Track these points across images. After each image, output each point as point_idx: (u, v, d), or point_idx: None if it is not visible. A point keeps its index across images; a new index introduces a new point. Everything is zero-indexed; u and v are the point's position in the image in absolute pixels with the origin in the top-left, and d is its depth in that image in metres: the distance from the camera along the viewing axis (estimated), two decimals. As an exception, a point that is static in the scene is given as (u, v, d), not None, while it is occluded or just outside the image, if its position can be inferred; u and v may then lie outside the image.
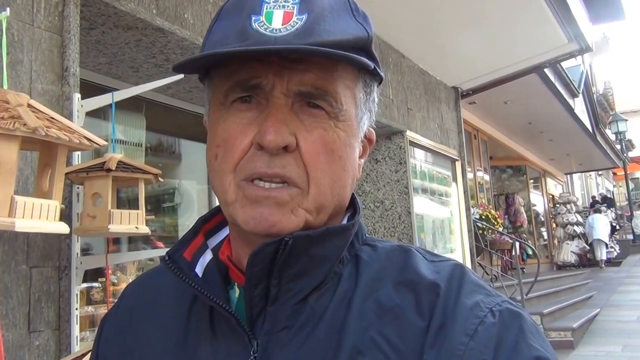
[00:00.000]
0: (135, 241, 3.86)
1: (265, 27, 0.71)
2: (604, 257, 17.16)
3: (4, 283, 2.07)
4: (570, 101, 11.42)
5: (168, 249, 0.82)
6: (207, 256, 0.82)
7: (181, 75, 2.30)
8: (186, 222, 4.53)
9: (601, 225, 17.07)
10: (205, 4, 3.22)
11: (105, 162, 2.03)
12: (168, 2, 2.94)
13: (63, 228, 1.58)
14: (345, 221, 0.83)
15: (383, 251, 0.81)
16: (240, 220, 0.73)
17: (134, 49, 3.10)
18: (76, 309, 2.25)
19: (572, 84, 11.61)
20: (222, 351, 0.75)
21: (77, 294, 2.25)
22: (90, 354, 0.98)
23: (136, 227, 2.05)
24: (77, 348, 2.21)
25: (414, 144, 6.08)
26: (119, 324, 0.90)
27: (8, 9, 1.90)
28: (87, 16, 2.65)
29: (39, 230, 1.51)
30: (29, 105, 1.43)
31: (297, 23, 0.71)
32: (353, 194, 0.84)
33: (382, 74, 0.81)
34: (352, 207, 0.85)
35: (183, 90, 3.81)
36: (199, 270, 0.80)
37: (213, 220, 0.88)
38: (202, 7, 3.19)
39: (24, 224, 1.36)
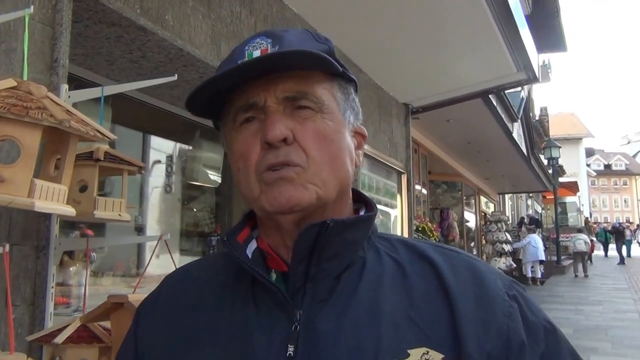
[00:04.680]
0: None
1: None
2: (539, 275, 18.11)
3: (-15, 259, 2.18)
4: (509, 125, 11.86)
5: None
6: (253, 245, 0.99)
7: (173, 77, 2.46)
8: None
9: (540, 245, 18.06)
10: (184, 7, 3.37)
11: (92, 151, 2.17)
12: (151, 3, 3.09)
13: (70, 211, 1.72)
14: (362, 212, 1.03)
15: (398, 245, 1.01)
16: (267, 205, 0.90)
17: (113, 44, 3.22)
18: (51, 287, 2.37)
19: (512, 109, 12.09)
20: (267, 322, 0.90)
21: (53, 273, 2.37)
22: (126, 337, 1.09)
23: (119, 215, 2.19)
24: (50, 324, 2.32)
25: (365, 155, 6.27)
26: (162, 309, 1.04)
27: (32, 6, 2.03)
28: (75, 10, 2.76)
29: (52, 212, 1.65)
30: (47, 97, 1.58)
31: (272, 52, 0.93)
32: (364, 194, 1.05)
33: (352, 76, 1.02)
34: (364, 202, 1.05)
35: (155, 86, 3.92)
36: (249, 253, 0.97)
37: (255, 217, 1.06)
38: (181, 10, 3.34)
39: (41, 205, 1.51)
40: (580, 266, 21.25)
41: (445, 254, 0.98)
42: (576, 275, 20.89)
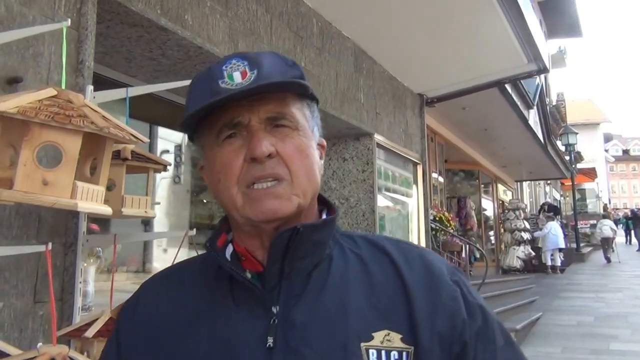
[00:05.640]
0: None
1: (231, 84, 1.02)
2: (558, 264, 18.06)
3: (16, 256, 2.26)
4: (525, 112, 11.84)
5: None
6: (230, 248, 1.09)
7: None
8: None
9: (560, 233, 18.04)
10: (203, 7, 3.44)
11: (119, 151, 2.24)
12: (171, 4, 3.16)
13: (107, 210, 1.81)
14: (324, 214, 1.14)
15: (360, 241, 1.13)
16: (253, 216, 1.01)
17: (134, 44, 3.30)
18: (79, 282, 2.44)
19: (528, 96, 12.06)
20: (247, 317, 1.00)
21: (81, 269, 2.45)
22: (108, 342, 1.16)
23: (145, 212, 2.27)
24: (78, 319, 2.40)
25: (381, 146, 6.39)
26: (142, 313, 1.11)
27: (69, 19, 2.11)
28: (98, 12, 2.84)
29: (92, 211, 1.74)
30: (86, 105, 1.66)
31: (252, 76, 1.02)
32: (325, 197, 1.17)
33: (317, 97, 1.14)
34: (326, 203, 1.16)
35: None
36: (227, 256, 1.08)
37: (229, 221, 1.15)
38: (200, 10, 3.41)
39: (83, 206, 1.60)
40: (609, 250, 21.64)
41: (401, 247, 1.12)
42: (609, 261, 21.05)
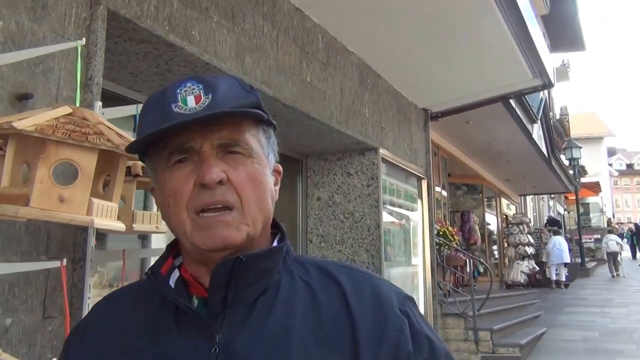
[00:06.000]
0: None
1: (184, 109, 1.00)
2: (563, 278, 18.00)
3: (26, 272, 2.27)
4: (528, 126, 11.84)
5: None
6: (176, 273, 1.07)
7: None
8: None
9: (565, 247, 18.00)
10: (210, 22, 3.47)
11: (130, 167, 2.25)
12: (179, 20, 3.18)
13: (121, 226, 1.83)
14: (275, 239, 1.12)
15: (311, 268, 1.11)
16: (201, 244, 0.99)
17: (141, 59, 3.32)
18: (88, 298, 2.44)
19: (532, 110, 12.06)
20: (190, 345, 0.99)
21: (89, 284, 2.45)
22: None
23: (156, 227, 2.27)
24: (87, 334, 2.40)
25: (385, 161, 6.39)
26: (90, 338, 1.10)
27: (84, 38, 2.13)
28: (107, 28, 2.87)
29: (107, 228, 1.75)
30: (101, 123, 1.68)
31: (206, 101, 1.00)
32: (279, 222, 1.15)
33: (274, 122, 1.11)
34: (278, 229, 1.14)
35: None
36: (172, 283, 1.06)
37: (178, 245, 1.14)
38: (207, 25, 3.43)
39: (99, 222, 1.62)
40: (616, 265, 21.81)
41: (352, 275, 1.10)
42: (613, 276, 21.27)
